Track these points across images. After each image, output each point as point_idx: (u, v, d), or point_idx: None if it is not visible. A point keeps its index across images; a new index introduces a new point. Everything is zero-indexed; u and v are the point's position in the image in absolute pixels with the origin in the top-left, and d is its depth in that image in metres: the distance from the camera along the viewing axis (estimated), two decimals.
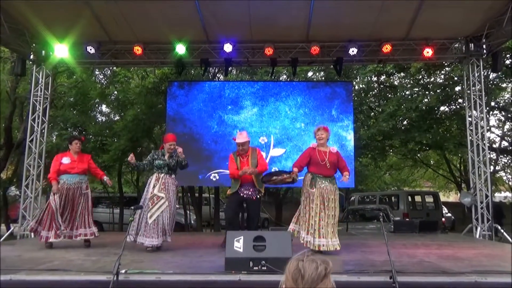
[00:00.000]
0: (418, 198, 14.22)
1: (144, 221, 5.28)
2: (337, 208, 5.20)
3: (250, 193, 5.52)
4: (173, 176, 5.59)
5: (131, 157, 5.47)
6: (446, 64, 11.38)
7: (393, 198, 14.39)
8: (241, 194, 5.53)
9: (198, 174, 8.63)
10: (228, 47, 7.81)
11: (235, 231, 4.54)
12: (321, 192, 5.15)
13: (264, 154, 8.67)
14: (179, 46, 7.87)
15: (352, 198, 15.30)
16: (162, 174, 5.48)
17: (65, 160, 5.71)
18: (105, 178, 5.98)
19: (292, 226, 5.36)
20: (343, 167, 5.44)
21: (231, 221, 5.61)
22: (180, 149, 5.52)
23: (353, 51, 7.79)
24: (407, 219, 11.52)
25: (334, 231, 5.08)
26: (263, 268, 3.71)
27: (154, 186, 5.40)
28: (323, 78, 13.11)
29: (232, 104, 9.01)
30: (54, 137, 12.95)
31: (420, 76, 12.58)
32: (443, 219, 12.99)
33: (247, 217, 5.70)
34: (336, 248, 5.00)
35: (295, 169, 5.38)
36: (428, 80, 12.73)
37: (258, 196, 5.59)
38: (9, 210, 13.03)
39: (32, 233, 5.82)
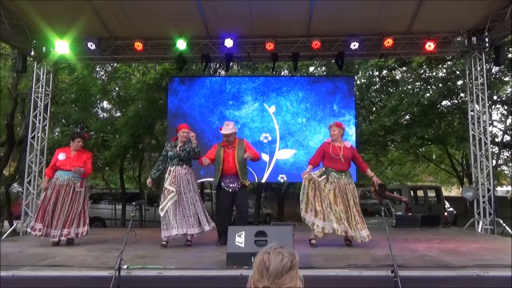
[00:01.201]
0: (420, 193, 14.20)
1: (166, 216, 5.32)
2: (356, 200, 5.21)
3: (235, 185, 5.47)
4: (185, 166, 5.50)
5: (149, 182, 5.66)
6: (448, 58, 11.31)
7: (395, 192, 14.37)
8: (227, 189, 5.47)
9: (200, 169, 8.60)
10: (229, 42, 7.78)
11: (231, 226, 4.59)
12: (335, 184, 5.19)
13: (267, 156, 8.68)
14: (180, 41, 7.85)
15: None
16: (174, 167, 5.47)
17: (61, 156, 5.62)
18: (81, 170, 5.59)
19: (308, 218, 5.26)
20: (361, 163, 5.54)
21: (222, 219, 5.52)
22: (192, 134, 5.51)
23: (354, 45, 7.75)
24: (409, 214, 11.50)
25: (362, 223, 5.12)
26: None
27: (166, 180, 5.44)
28: (324, 73, 13.07)
29: (233, 100, 9.00)
30: (56, 134, 12.97)
31: (422, 70, 12.52)
32: (445, 213, 12.96)
33: (236, 207, 5.57)
34: (364, 240, 5.07)
35: (310, 166, 5.40)
36: (430, 74, 12.68)
37: (242, 185, 5.49)
38: (11, 207, 13.07)
39: (32, 231, 5.60)
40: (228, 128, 5.50)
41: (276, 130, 8.86)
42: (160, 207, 5.37)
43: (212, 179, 5.89)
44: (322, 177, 5.25)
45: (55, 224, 5.41)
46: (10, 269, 3.63)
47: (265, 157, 8.71)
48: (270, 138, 8.82)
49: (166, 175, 5.50)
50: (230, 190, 5.48)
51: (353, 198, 5.20)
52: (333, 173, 5.26)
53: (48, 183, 5.55)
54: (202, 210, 5.43)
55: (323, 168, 5.37)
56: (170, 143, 5.73)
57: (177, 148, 5.54)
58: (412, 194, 13.48)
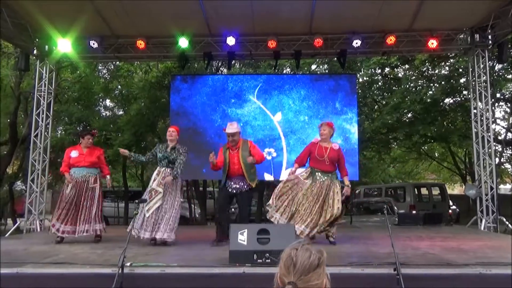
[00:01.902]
0: (424, 191, 14.07)
1: (143, 215, 5.30)
2: (337, 204, 5.16)
3: (239, 186, 5.41)
4: (171, 170, 5.46)
5: (122, 151, 5.64)
6: (451, 55, 11.27)
7: (399, 190, 14.31)
8: (229, 189, 5.42)
9: (202, 167, 8.63)
10: (231, 40, 7.77)
11: (224, 225, 4.73)
12: (318, 186, 5.20)
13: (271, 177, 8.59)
14: (182, 39, 7.85)
15: (358, 191, 15.24)
16: (163, 168, 5.48)
17: (73, 154, 5.70)
18: (108, 177, 5.95)
19: (273, 202, 5.31)
20: (342, 168, 5.46)
21: (218, 217, 5.52)
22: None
23: (356, 43, 7.73)
24: (413, 212, 11.45)
25: (327, 220, 5.12)
26: (267, 260, 3.72)
27: (154, 180, 5.42)
28: (326, 70, 13.04)
29: (235, 98, 9.00)
30: (59, 132, 13.01)
31: (425, 68, 12.48)
32: (450, 211, 12.89)
33: (238, 211, 5.58)
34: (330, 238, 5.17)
35: (296, 165, 5.42)
36: (432, 72, 12.64)
37: (248, 189, 5.45)
38: (15, 205, 13.13)
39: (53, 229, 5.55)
40: (232, 127, 5.44)
41: (282, 141, 8.78)
42: (147, 207, 5.29)
43: (213, 178, 5.83)
44: (308, 179, 5.27)
45: (76, 221, 5.49)
46: (14, 266, 3.65)
47: (268, 177, 8.68)
48: (274, 154, 8.75)
49: (154, 175, 5.49)
50: (233, 191, 5.42)
51: (334, 200, 5.17)
52: (318, 173, 5.29)
53: (71, 177, 5.58)
54: (177, 218, 5.35)
55: (309, 169, 5.39)
56: (163, 144, 5.73)
57: (168, 150, 5.52)
58: (416, 192, 13.40)
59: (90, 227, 5.56)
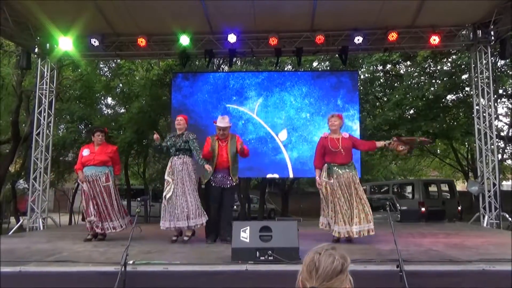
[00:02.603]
0: (432, 187, 13.83)
1: (163, 206, 5.38)
2: (361, 193, 5.12)
3: (223, 180, 5.39)
4: (181, 156, 5.39)
5: (156, 137, 5.50)
6: (453, 51, 11.22)
7: (407, 187, 14.12)
8: (214, 184, 5.37)
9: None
10: (232, 38, 7.76)
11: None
12: (339, 181, 5.09)
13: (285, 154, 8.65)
14: (183, 37, 7.84)
15: (364, 187, 15.07)
16: (171, 157, 5.47)
17: (85, 152, 5.67)
18: (116, 177, 5.89)
19: (321, 220, 5.31)
20: (364, 144, 5.52)
21: (213, 219, 5.40)
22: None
23: (358, 39, 7.70)
24: (423, 209, 11.33)
25: (366, 216, 5.04)
26: (269, 258, 3.72)
27: (167, 170, 5.47)
28: (328, 67, 13.01)
29: (237, 95, 8.99)
30: (61, 130, 13.03)
31: (427, 65, 12.44)
32: (459, 208, 12.74)
33: (221, 206, 5.39)
34: (368, 233, 5.02)
35: (317, 171, 5.31)
36: (434, 68, 12.59)
37: (232, 184, 5.42)
38: (18, 203, 13.17)
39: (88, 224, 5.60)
40: (224, 121, 5.42)
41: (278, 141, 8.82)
42: (165, 198, 5.39)
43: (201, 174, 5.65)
44: (331, 179, 5.13)
45: (101, 217, 5.52)
46: (17, 265, 3.66)
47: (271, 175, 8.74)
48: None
49: (167, 167, 5.53)
50: (217, 184, 5.38)
51: (358, 191, 5.09)
52: (335, 168, 5.15)
53: (83, 176, 5.56)
54: (194, 203, 5.26)
55: (325, 166, 5.25)
56: (172, 132, 5.79)
57: (175, 138, 5.53)
58: (425, 188, 13.09)
59: (116, 223, 5.57)
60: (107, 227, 5.56)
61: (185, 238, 5.33)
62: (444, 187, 14.00)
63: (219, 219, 5.41)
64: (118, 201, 5.69)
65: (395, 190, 14.22)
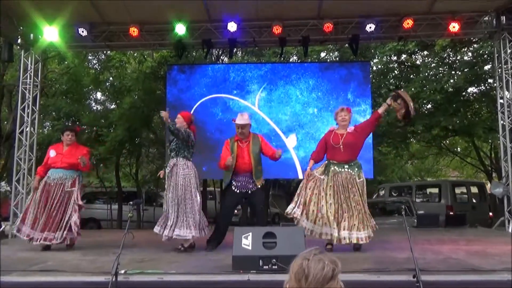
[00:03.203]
0: (460, 190, 13.56)
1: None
2: (362, 197, 5.06)
3: (246, 184, 5.32)
4: (176, 159, 5.29)
5: (165, 114, 5.09)
6: (474, 40, 11.18)
7: (433, 189, 13.81)
8: (236, 190, 5.32)
9: (202, 165, 8.62)
10: (232, 26, 7.75)
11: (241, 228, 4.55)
12: (335, 180, 5.05)
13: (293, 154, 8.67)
14: (179, 26, 7.83)
15: (382, 190, 14.84)
16: (170, 159, 5.42)
17: (52, 153, 5.59)
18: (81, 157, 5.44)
19: (293, 211, 5.17)
20: (367, 122, 5.42)
21: (222, 225, 5.41)
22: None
23: (370, 27, 7.68)
24: (452, 213, 11.13)
25: (360, 224, 4.99)
26: (273, 267, 3.72)
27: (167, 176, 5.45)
28: (337, 58, 12.99)
29: (237, 89, 9.00)
30: (46, 128, 13.06)
31: (446, 54, 12.40)
32: (491, 213, 12.37)
33: (253, 213, 5.45)
34: (358, 241, 4.95)
35: (311, 161, 5.30)
36: (454, 58, 12.54)
37: (256, 188, 5.35)
38: None
39: (17, 233, 5.50)
40: (243, 118, 5.34)
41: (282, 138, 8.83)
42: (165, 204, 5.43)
43: (214, 177, 5.75)
44: (323, 176, 5.13)
45: (41, 227, 5.34)
46: (0, 274, 3.67)
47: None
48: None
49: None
50: (242, 190, 5.33)
51: (357, 194, 5.04)
52: (333, 167, 5.12)
53: (39, 182, 5.54)
54: (190, 211, 5.14)
55: (325, 162, 5.25)
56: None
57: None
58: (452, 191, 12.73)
59: (63, 235, 5.34)
60: (50, 237, 5.30)
61: (181, 248, 5.30)
62: (474, 190, 13.58)
63: (227, 227, 5.42)
64: (76, 212, 5.43)
65: (420, 192, 13.93)
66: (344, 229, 4.97)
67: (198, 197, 5.26)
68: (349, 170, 5.12)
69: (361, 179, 5.17)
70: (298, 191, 5.27)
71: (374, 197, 14.13)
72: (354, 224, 4.99)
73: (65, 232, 5.38)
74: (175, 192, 5.18)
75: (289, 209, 5.22)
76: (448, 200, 12.00)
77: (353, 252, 5.02)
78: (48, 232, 5.34)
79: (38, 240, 5.35)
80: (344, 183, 5.06)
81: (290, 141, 8.79)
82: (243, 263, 3.79)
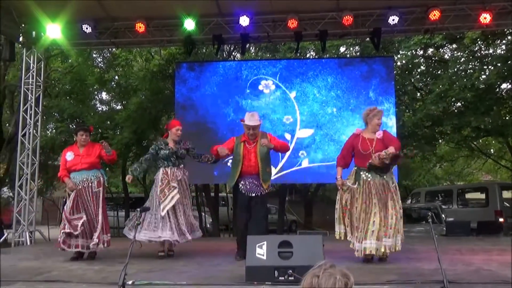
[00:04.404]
0: (510, 193, 12.96)
1: (154, 216, 5.48)
2: (397, 206, 5.02)
3: (254, 187, 5.34)
4: (181, 166, 5.70)
5: (129, 178, 6.11)
6: (508, 32, 11.04)
7: (478, 193, 13.41)
8: (244, 192, 5.35)
9: (213, 170, 8.69)
10: (244, 21, 7.78)
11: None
12: (365, 189, 5.02)
13: (289, 136, 8.70)
14: (188, 21, 7.89)
15: (419, 195, 14.51)
16: (170, 167, 5.58)
17: (69, 156, 5.61)
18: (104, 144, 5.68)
19: (337, 229, 5.23)
20: (395, 142, 5.17)
21: (242, 231, 5.34)
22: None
23: (393, 20, 7.63)
24: (500, 220, 10.84)
25: (394, 233, 4.94)
26: (290, 278, 3.73)
27: (162, 180, 5.51)
28: (358, 53, 12.94)
29: (250, 88, 9.01)
30: (49, 131, 13.26)
31: (477, 48, 12.25)
32: None
33: (250, 218, 5.33)
34: (386, 252, 4.90)
35: (339, 169, 5.25)
36: (486, 52, 12.39)
37: (262, 192, 5.36)
38: (2, 215, 13.43)
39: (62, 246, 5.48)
40: (253, 119, 5.37)
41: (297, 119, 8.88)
42: (162, 206, 5.42)
43: (226, 181, 5.84)
44: (355, 185, 5.08)
45: (87, 233, 5.47)
46: (1, 284, 3.75)
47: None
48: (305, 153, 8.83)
49: (161, 176, 5.56)
50: (248, 193, 5.36)
51: (392, 201, 5.00)
52: (364, 173, 5.08)
53: (73, 183, 5.52)
54: (191, 217, 5.75)
55: (355, 169, 5.21)
56: (159, 141, 5.87)
57: (172, 146, 5.65)
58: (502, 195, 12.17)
59: (100, 238, 5.46)
60: (96, 242, 5.41)
61: (170, 253, 5.63)
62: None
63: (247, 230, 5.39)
64: (105, 213, 5.69)
65: (463, 196, 13.51)
66: (378, 240, 4.91)
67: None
68: (381, 177, 5.06)
69: (394, 184, 5.16)
70: (336, 205, 5.26)
71: (408, 203, 13.89)
72: (387, 235, 4.92)
73: (102, 235, 5.49)
74: (187, 198, 5.80)
75: (338, 234, 5.21)
76: (497, 204, 11.48)
77: (377, 263, 4.99)
78: (83, 239, 5.45)
79: (76, 247, 5.45)
80: (377, 190, 5.02)
81: (303, 133, 8.80)
82: (257, 274, 3.80)
